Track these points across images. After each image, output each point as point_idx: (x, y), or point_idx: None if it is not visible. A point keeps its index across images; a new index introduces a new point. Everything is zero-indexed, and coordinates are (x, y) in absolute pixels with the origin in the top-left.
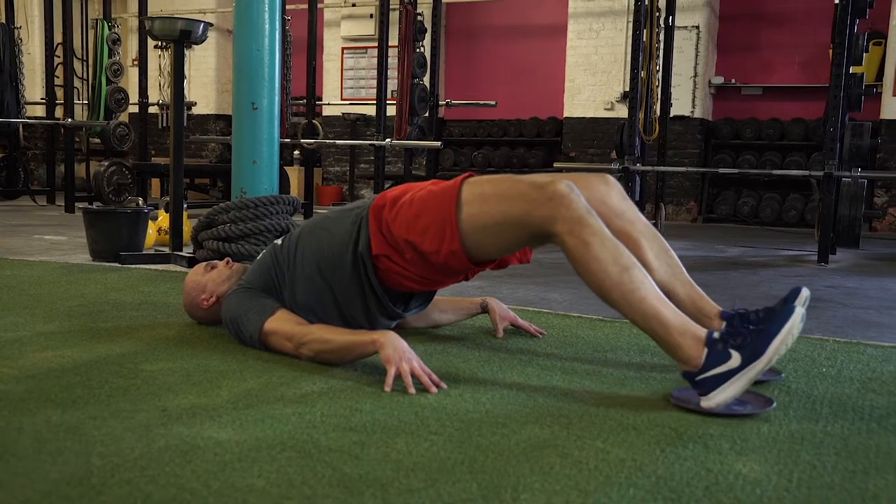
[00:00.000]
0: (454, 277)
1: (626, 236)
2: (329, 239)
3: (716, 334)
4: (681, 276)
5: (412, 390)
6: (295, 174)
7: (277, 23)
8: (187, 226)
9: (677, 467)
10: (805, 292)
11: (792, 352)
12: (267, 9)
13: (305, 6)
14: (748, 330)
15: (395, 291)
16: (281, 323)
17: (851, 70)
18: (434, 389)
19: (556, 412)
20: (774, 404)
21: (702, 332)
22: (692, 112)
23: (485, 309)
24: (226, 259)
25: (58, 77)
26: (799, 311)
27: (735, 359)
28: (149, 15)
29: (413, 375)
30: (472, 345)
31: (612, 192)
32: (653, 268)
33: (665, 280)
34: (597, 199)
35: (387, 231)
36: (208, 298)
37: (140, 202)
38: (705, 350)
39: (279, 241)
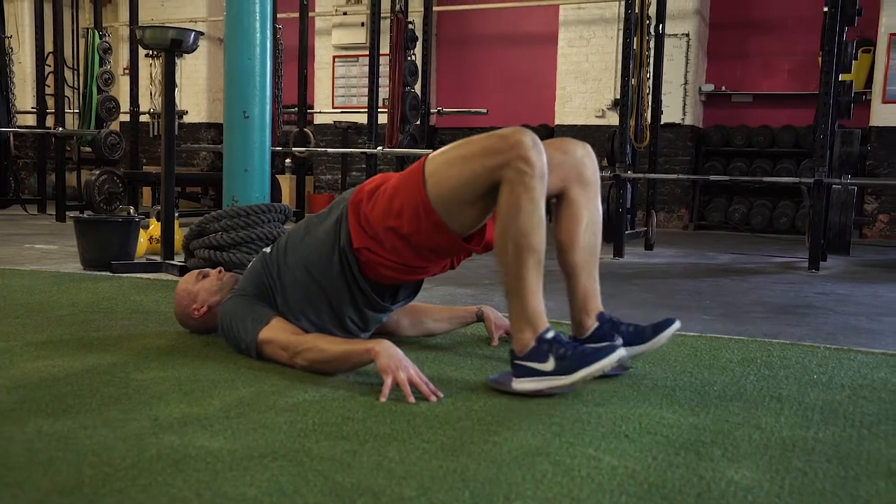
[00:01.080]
0: (439, 262)
1: (577, 206)
2: (314, 241)
3: (549, 334)
4: (590, 268)
5: (412, 399)
6: (286, 182)
7: (268, 31)
8: (178, 234)
9: (669, 475)
10: (676, 325)
11: (783, 358)
12: (258, 18)
13: (296, 15)
14: (579, 346)
15: (380, 284)
16: (276, 332)
17: (841, 77)
18: (433, 398)
19: (547, 420)
20: (574, 388)
21: (542, 327)
22: (683, 119)
23: (480, 317)
24: (218, 268)
25: (48, 86)
26: (618, 353)
27: (548, 364)
28: (140, 24)
29: (411, 384)
30: (463, 353)
31: (588, 162)
32: (577, 246)
33: (577, 263)
34: (571, 164)
35: (366, 223)
36: (200, 308)
37: (131, 211)
38: (533, 343)
39: (268, 249)
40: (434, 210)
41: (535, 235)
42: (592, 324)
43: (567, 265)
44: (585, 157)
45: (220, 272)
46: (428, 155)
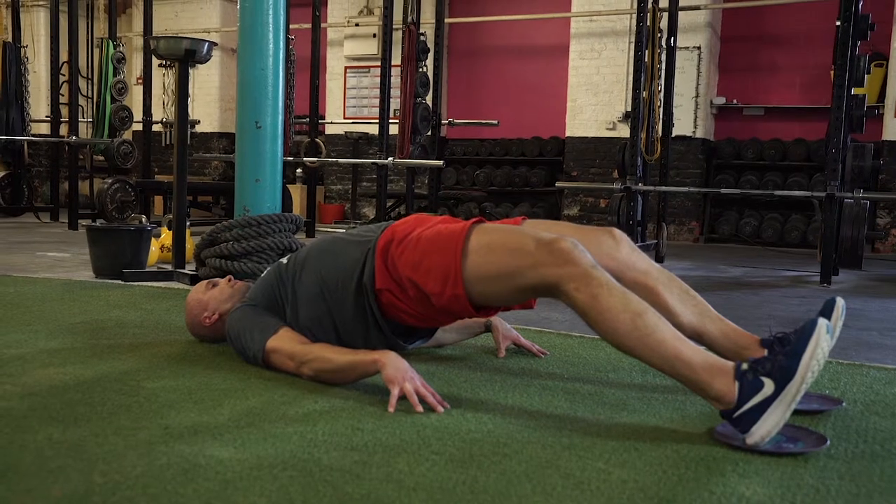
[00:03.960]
0: (455, 318)
1: (643, 287)
2: (335, 265)
3: (744, 365)
4: (709, 314)
5: (419, 409)
6: (297, 192)
7: (281, 42)
8: (190, 243)
9: (680, 489)
10: (839, 303)
11: None
12: (271, 28)
13: (309, 25)
14: (774, 354)
15: (397, 324)
16: (283, 341)
17: (853, 91)
18: (440, 409)
19: (557, 433)
20: (829, 442)
21: (729, 365)
22: (694, 132)
23: (489, 328)
24: (228, 277)
25: (63, 95)
26: (822, 323)
27: (768, 386)
28: (154, 34)
29: (417, 395)
30: (473, 365)
31: (621, 246)
32: (677, 312)
33: (694, 322)
34: (605, 255)
35: (392, 267)
36: (210, 316)
37: (143, 219)
38: (737, 384)
39: (284, 260)
40: (462, 284)
41: (629, 301)
42: (761, 354)
43: (689, 332)
44: (616, 244)
45: (229, 281)
46: (473, 224)
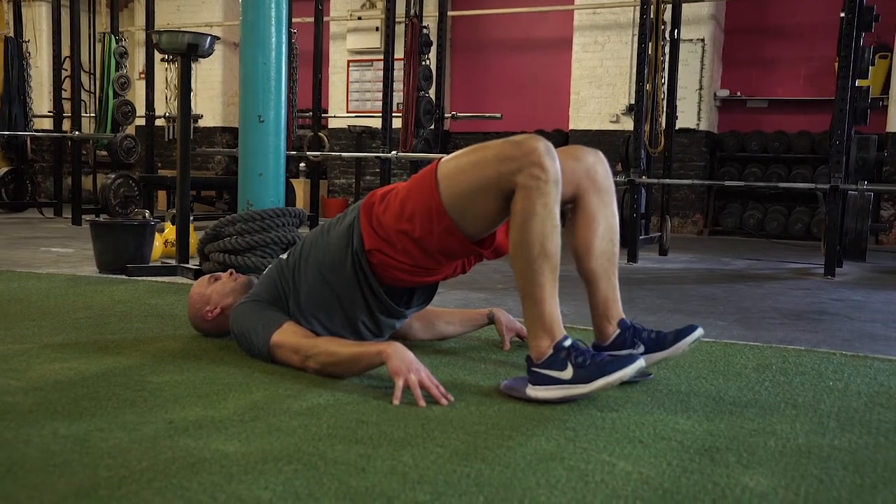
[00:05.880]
0: (451, 264)
1: (592, 213)
2: (328, 246)
3: (567, 342)
4: (609, 275)
5: (422, 403)
6: (301, 186)
7: (284, 36)
8: (193, 238)
9: (683, 481)
10: (698, 332)
11: (798, 365)
12: (273, 22)
13: (311, 19)
14: (597, 354)
15: (394, 288)
16: (288, 336)
17: (857, 83)
18: (444, 401)
19: (561, 425)
20: (591, 395)
21: (560, 334)
22: (698, 125)
23: (492, 320)
24: (229, 271)
25: (65, 90)
26: (638, 363)
27: (567, 373)
28: (156, 28)
29: (422, 387)
30: (477, 357)
31: (600, 168)
32: (594, 253)
33: (596, 270)
34: (583, 170)
35: (377, 225)
36: (212, 310)
37: (146, 214)
38: (550, 351)
39: (284, 256)
40: (446, 214)
41: (549, 241)
42: (614, 330)
43: (585, 272)
44: (597, 163)
45: (231, 274)
46: (440, 159)
